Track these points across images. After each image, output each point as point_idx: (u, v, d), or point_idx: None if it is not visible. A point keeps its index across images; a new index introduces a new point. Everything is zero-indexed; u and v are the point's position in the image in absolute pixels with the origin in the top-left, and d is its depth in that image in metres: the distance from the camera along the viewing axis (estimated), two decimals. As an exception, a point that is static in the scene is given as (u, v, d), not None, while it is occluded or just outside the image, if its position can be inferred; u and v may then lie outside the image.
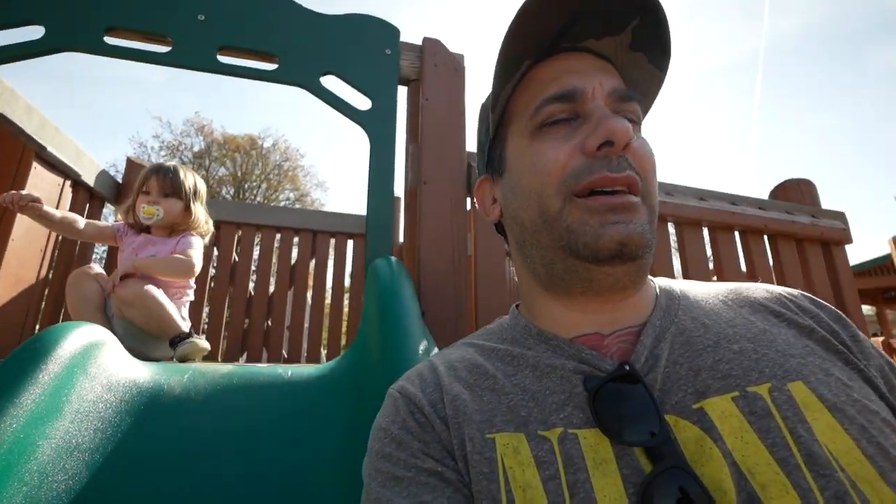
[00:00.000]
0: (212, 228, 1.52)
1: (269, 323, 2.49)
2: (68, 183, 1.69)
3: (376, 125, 1.21)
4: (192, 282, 1.44)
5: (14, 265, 1.44)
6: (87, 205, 1.91)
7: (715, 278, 1.51)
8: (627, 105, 0.44)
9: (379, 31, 1.28)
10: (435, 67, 1.31)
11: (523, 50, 0.45)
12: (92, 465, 0.63)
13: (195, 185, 1.45)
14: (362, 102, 1.22)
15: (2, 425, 0.55)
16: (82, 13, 1.08)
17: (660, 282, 0.49)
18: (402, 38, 1.34)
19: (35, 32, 1.04)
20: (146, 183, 1.38)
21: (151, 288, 1.25)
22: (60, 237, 1.76)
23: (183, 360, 1.23)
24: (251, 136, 14.91)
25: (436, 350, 0.73)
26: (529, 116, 0.45)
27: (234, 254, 2.47)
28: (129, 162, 2.33)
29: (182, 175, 1.41)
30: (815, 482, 0.30)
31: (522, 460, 0.36)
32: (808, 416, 0.33)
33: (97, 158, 1.91)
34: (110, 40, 1.08)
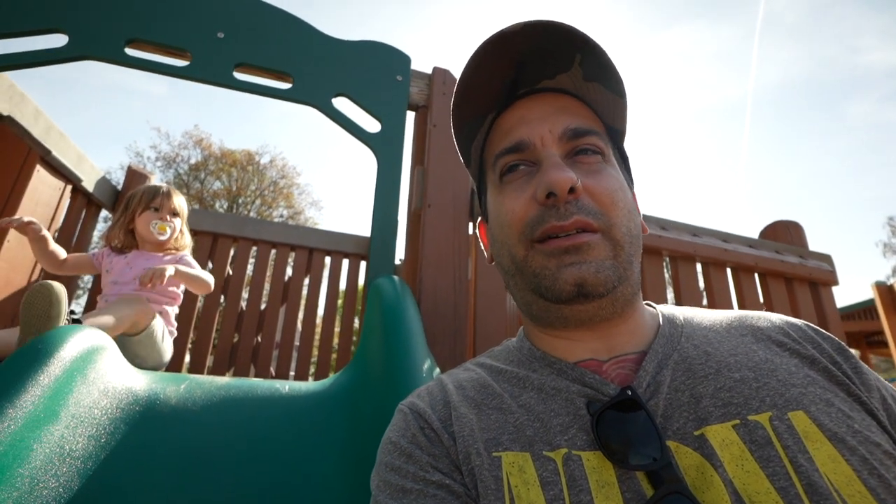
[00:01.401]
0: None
1: (259, 339, 2.45)
2: (69, 188, 1.69)
3: (384, 148, 1.24)
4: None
5: (5, 269, 1.42)
6: (84, 211, 1.90)
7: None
8: (583, 140, 0.46)
9: (391, 58, 1.33)
10: (443, 96, 1.36)
11: (484, 105, 0.49)
12: (84, 473, 0.62)
13: (185, 206, 1.56)
14: (372, 125, 1.26)
15: (0, 425, 0.54)
16: (105, 24, 1.11)
17: (663, 309, 0.50)
18: (413, 66, 1.39)
19: (58, 40, 1.06)
20: (156, 200, 1.41)
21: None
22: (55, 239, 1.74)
23: None
24: (248, 152, 14.99)
25: (437, 370, 0.73)
26: (492, 168, 0.49)
27: (228, 267, 2.45)
28: (130, 170, 2.33)
29: (179, 196, 1.51)
30: None
31: (527, 479, 0.36)
32: (809, 446, 0.34)
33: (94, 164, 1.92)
34: (131, 52, 1.10)
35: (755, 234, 1.95)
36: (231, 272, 2.46)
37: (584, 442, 0.38)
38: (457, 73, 1.43)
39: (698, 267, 1.52)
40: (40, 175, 1.51)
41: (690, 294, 1.46)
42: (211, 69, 1.14)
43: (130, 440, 0.68)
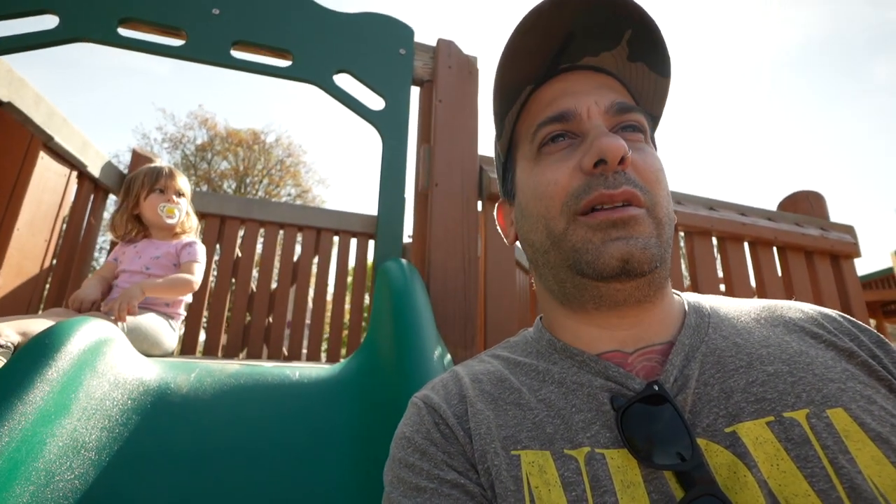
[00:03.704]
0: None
1: (271, 320, 2.47)
2: (74, 174, 1.68)
3: (389, 125, 1.20)
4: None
5: (17, 256, 1.43)
6: (92, 196, 1.90)
7: (723, 287, 1.51)
8: (629, 116, 0.44)
9: (393, 31, 1.27)
10: (449, 69, 1.30)
11: (523, 77, 0.47)
12: (98, 465, 0.62)
13: (188, 184, 1.51)
14: (375, 102, 1.21)
15: (11, 423, 0.54)
16: (97, 3, 1.07)
17: (688, 297, 0.48)
18: (416, 39, 1.33)
19: (49, 22, 1.02)
20: (160, 182, 1.38)
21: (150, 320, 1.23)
22: (64, 228, 1.74)
23: None
24: (254, 131, 14.88)
25: (448, 357, 0.72)
26: (530, 140, 0.46)
27: (237, 249, 2.45)
28: (135, 154, 2.31)
29: (182, 177, 1.47)
30: None
31: (548, 480, 0.35)
32: (850, 446, 0.32)
33: (101, 148, 1.90)
34: (124, 32, 1.06)
35: (774, 206, 1.89)
36: (240, 254, 2.46)
37: (608, 439, 0.36)
38: (462, 45, 1.36)
39: (714, 241, 1.48)
40: (45, 162, 1.49)
41: (706, 270, 1.42)
42: (207, 48, 1.09)
43: (143, 430, 0.68)
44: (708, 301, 0.47)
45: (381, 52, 1.25)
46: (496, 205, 0.57)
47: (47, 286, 1.71)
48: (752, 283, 1.54)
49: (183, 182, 1.44)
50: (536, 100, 0.47)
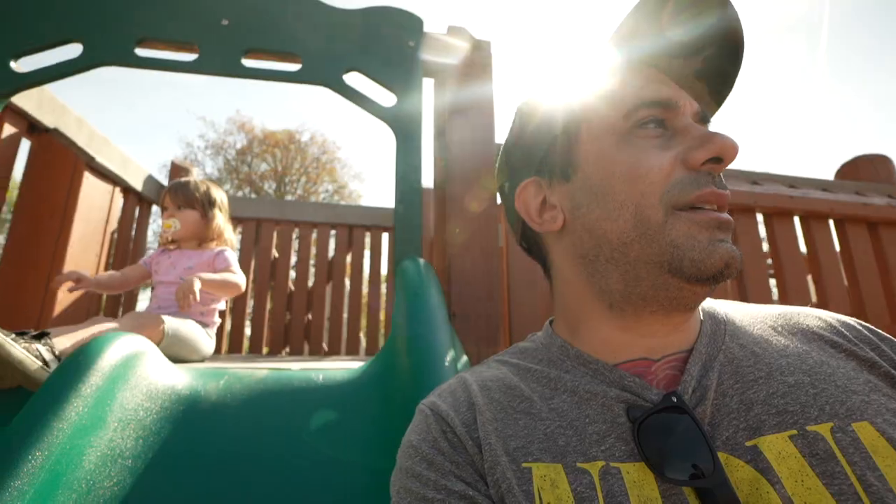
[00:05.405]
0: (235, 242, 1.56)
1: (310, 316, 2.56)
2: (117, 189, 1.79)
3: (402, 122, 1.18)
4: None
5: (73, 265, 1.54)
6: (138, 208, 2.02)
7: (772, 271, 1.39)
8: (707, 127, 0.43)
9: (401, 23, 1.25)
10: (461, 56, 1.26)
11: (614, 51, 0.44)
12: (135, 471, 0.66)
13: (208, 193, 1.47)
14: (387, 98, 1.20)
15: (49, 437, 0.58)
16: (116, 27, 1.11)
17: (702, 303, 0.45)
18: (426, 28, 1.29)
19: (73, 51, 1.08)
20: (162, 201, 1.45)
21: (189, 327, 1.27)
22: (115, 243, 1.87)
23: None
24: (289, 132, 15.31)
25: (464, 358, 0.71)
26: (619, 119, 0.41)
27: (273, 250, 2.54)
28: (174, 166, 2.44)
29: (193, 186, 1.45)
30: None
31: (561, 495, 0.34)
32: (879, 462, 0.30)
33: (148, 160, 2.05)
34: (141, 52, 1.10)
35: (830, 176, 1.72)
36: (277, 255, 2.55)
37: (624, 453, 0.35)
38: (476, 28, 1.32)
39: (760, 219, 1.36)
40: (89, 181, 1.60)
41: (750, 249, 1.32)
42: (219, 59, 1.11)
43: (175, 437, 0.72)
44: (722, 307, 0.46)
45: (390, 46, 1.22)
46: (522, 183, 0.48)
47: (103, 298, 1.85)
48: (805, 262, 1.42)
49: (186, 193, 1.43)
50: (611, 81, 0.43)
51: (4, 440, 0.56)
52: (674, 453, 0.33)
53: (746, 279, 1.28)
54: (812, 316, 0.44)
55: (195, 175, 2.49)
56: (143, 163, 1.97)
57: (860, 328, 0.42)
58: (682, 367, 0.39)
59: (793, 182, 1.40)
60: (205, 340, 1.32)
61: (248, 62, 1.14)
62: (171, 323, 1.18)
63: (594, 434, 0.36)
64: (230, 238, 1.54)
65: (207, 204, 1.46)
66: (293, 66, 1.17)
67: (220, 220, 1.49)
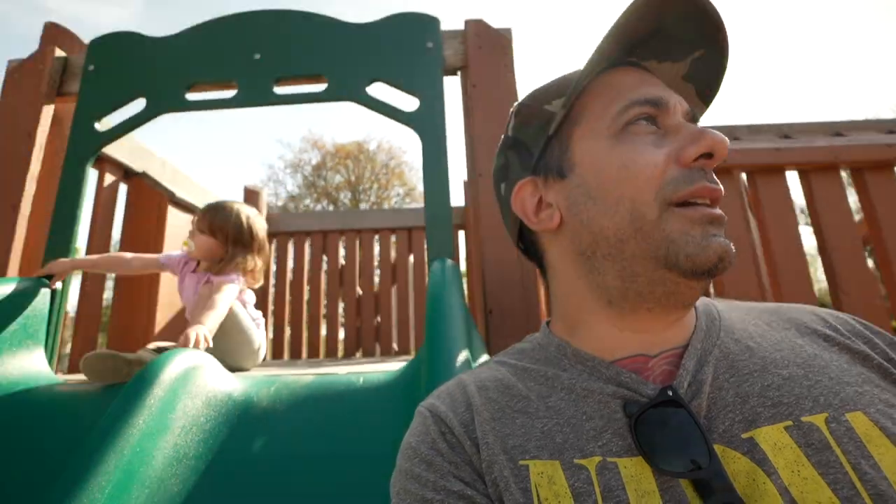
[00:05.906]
0: (260, 279, 1.42)
1: (379, 319, 2.68)
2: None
3: (426, 124, 1.19)
4: (247, 295, 1.39)
5: (167, 296, 1.78)
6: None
7: (812, 231, 1.16)
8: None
9: (418, 26, 1.26)
10: (480, 50, 1.24)
11: (611, 48, 0.44)
12: (198, 471, 0.75)
13: (237, 228, 1.34)
14: (410, 103, 1.22)
15: (122, 441, 0.68)
16: (171, 78, 1.26)
17: (697, 302, 0.45)
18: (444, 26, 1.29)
19: (139, 105, 1.24)
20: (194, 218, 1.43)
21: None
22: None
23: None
24: (358, 143, 16.11)
25: (483, 357, 0.70)
26: (612, 117, 0.43)
27: (340, 258, 2.71)
28: (246, 190, 2.69)
29: (222, 216, 1.35)
30: None
31: (558, 491, 0.34)
32: (873, 451, 0.31)
33: (236, 185, 2.26)
34: (190, 96, 1.24)
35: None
36: (343, 262, 2.71)
37: (620, 448, 0.35)
38: (495, 18, 1.29)
39: (794, 177, 1.14)
40: (173, 214, 1.83)
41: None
42: (255, 92, 1.21)
43: (232, 440, 0.80)
44: (716, 304, 0.46)
45: (409, 51, 1.24)
46: (518, 183, 0.48)
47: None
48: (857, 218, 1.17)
49: (208, 219, 1.35)
50: (608, 81, 0.45)
51: (84, 445, 0.66)
52: (670, 447, 0.33)
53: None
54: (805, 311, 0.44)
55: (264, 197, 2.72)
56: (234, 185, 2.21)
57: (853, 323, 0.42)
58: (679, 362, 0.39)
59: (838, 129, 1.15)
60: (254, 333, 1.31)
61: (279, 89, 1.22)
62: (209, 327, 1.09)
63: (591, 430, 0.37)
64: (255, 272, 1.39)
65: (229, 236, 1.34)
66: (320, 87, 1.23)
67: (242, 257, 1.34)
